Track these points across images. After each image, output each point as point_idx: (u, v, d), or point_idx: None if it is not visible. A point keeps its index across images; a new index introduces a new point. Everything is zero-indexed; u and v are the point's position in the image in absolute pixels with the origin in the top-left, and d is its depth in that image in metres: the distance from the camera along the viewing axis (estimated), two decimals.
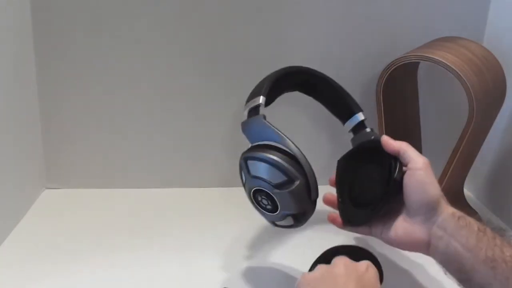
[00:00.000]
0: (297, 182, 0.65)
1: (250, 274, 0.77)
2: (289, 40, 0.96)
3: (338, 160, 0.72)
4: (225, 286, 0.74)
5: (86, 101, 0.96)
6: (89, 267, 0.77)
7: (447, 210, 0.62)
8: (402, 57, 0.84)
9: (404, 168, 0.65)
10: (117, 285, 0.75)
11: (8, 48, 0.84)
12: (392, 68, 0.84)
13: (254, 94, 0.72)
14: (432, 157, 1.01)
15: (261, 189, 0.66)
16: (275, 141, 0.67)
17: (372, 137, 0.74)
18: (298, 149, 0.66)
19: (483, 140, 0.88)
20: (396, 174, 0.64)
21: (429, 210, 0.62)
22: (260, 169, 0.66)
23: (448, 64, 0.78)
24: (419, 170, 0.63)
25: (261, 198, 0.67)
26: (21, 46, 0.90)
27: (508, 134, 0.94)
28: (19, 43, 0.89)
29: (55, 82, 0.95)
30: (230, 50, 0.96)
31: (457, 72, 0.77)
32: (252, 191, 0.68)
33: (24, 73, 0.91)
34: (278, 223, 0.69)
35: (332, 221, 0.71)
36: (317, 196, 0.67)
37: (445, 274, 0.62)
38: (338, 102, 0.80)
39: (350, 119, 0.79)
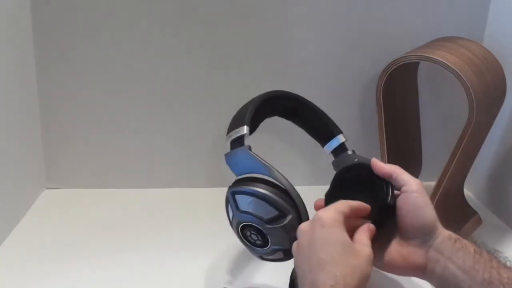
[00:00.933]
0: (289, 217, 0.63)
1: (250, 274, 0.77)
2: (289, 41, 0.96)
3: (326, 193, 0.70)
4: (225, 286, 0.74)
5: (86, 101, 0.97)
6: (89, 267, 0.77)
7: (443, 233, 0.61)
8: (402, 57, 0.83)
9: (396, 192, 0.64)
10: (117, 285, 0.75)
11: (8, 49, 0.84)
12: (392, 68, 0.84)
13: (236, 124, 0.70)
14: (432, 157, 1.02)
15: (251, 225, 0.64)
16: (263, 174, 0.65)
17: (356, 159, 0.72)
18: (288, 181, 0.64)
19: (483, 140, 0.88)
20: (389, 198, 0.63)
21: (425, 233, 0.61)
22: (250, 204, 0.64)
23: (448, 64, 0.78)
24: (415, 192, 0.62)
25: (250, 233, 0.65)
26: (21, 46, 0.90)
27: (508, 134, 0.94)
28: (19, 43, 0.89)
29: (55, 82, 0.95)
30: (230, 50, 0.96)
31: (457, 72, 0.77)
32: (240, 226, 0.65)
33: (24, 73, 0.91)
34: (267, 257, 0.67)
35: None
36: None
37: None
38: (317, 124, 0.79)
39: (330, 142, 0.77)
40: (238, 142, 0.68)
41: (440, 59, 0.79)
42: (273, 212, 0.63)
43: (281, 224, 0.63)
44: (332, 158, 0.77)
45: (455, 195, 0.91)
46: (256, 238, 0.65)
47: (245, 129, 0.68)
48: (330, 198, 0.68)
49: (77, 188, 1.00)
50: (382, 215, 0.63)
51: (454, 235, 0.61)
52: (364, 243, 0.58)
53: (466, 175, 0.92)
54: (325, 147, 0.78)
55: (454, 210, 0.90)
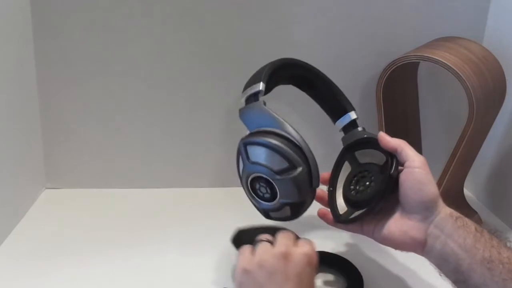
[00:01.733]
0: (299, 169, 0.63)
1: None
2: (289, 40, 0.96)
3: (333, 169, 0.71)
4: (225, 287, 0.74)
5: (86, 101, 0.96)
6: (89, 267, 0.77)
7: (445, 210, 0.62)
8: (402, 57, 0.84)
9: (400, 167, 0.64)
10: (117, 285, 0.75)
11: (8, 48, 0.84)
12: (392, 68, 0.84)
13: (253, 81, 0.70)
14: (432, 157, 1.01)
15: (261, 176, 0.64)
16: (276, 128, 0.65)
17: (365, 135, 0.73)
18: (300, 135, 0.64)
19: (483, 140, 0.88)
20: (392, 170, 0.63)
21: (426, 209, 0.61)
22: (261, 155, 0.64)
23: (448, 64, 0.78)
24: (417, 168, 0.63)
25: (259, 186, 0.65)
26: (21, 46, 0.90)
27: (508, 134, 0.94)
28: (19, 43, 0.89)
29: (55, 82, 0.95)
30: (230, 51, 0.96)
31: (457, 72, 0.77)
32: (250, 178, 0.65)
33: (24, 73, 0.91)
34: (273, 214, 0.66)
35: (323, 216, 0.70)
36: (318, 184, 0.65)
37: (440, 275, 0.62)
38: (331, 99, 0.78)
39: (342, 118, 0.77)
40: (253, 98, 0.68)
41: (440, 59, 0.79)
42: (284, 163, 0.63)
43: (291, 176, 0.63)
44: (342, 134, 0.76)
45: (455, 195, 0.91)
46: (265, 191, 0.65)
47: (260, 86, 0.68)
48: (336, 166, 0.70)
49: (77, 188, 1.00)
50: (385, 187, 0.63)
51: (455, 213, 0.62)
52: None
53: (466, 175, 0.92)
54: (336, 123, 0.78)
55: (454, 210, 0.90)
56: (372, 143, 0.67)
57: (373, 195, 0.64)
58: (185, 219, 0.91)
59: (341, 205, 0.68)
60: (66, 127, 0.98)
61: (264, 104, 0.67)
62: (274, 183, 0.63)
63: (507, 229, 0.92)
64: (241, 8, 0.93)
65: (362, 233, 0.67)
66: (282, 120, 0.65)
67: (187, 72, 0.96)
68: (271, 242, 0.61)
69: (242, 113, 0.68)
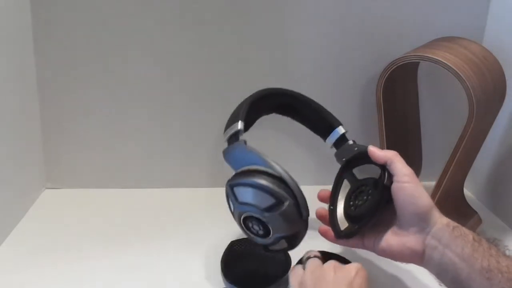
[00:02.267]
0: (286, 203, 0.64)
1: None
2: (289, 41, 0.96)
3: (332, 188, 0.72)
4: (225, 287, 0.74)
5: (86, 102, 0.97)
6: (89, 267, 0.77)
7: (441, 220, 0.62)
8: (402, 57, 0.83)
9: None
10: (117, 285, 0.75)
11: (8, 48, 0.84)
12: (392, 68, 0.84)
13: (231, 121, 0.72)
14: (432, 157, 1.02)
15: (251, 215, 0.65)
16: (259, 165, 0.66)
17: (355, 148, 0.74)
18: (284, 169, 0.65)
19: (483, 140, 0.88)
20: (385, 181, 0.64)
21: (422, 221, 0.62)
22: (248, 195, 0.65)
23: (448, 64, 0.78)
24: (407, 183, 0.63)
25: (252, 224, 0.66)
26: (21, 46, 0.90)
27: (508, 134, 0.94)
28: (19, 43, 0.89)
29: (55, 82, 0.95)
30: (230, 51, 0.96)
31: (457, 72, 0.77)
32: (242, 217, 0.66)
33: (24, 73, 0.91)
34: (272, 247, 0.68)
35: (324, 234, 0.71)
36: (308, 214, 0.66)
37: (440, 285, 0.62)
38: (316, 119, 0.81)
39: (331, 134, 0.79)
40: (234, 138, 0.69)
41: (440, 59, 0.79)
42: (270, 200, 0.64)
43: (280, 211, 0.64)
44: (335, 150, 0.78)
45: (455, 195, 0.91)
46: (258, 228, 0.66)
47: (239, 125, 0.69)
48: (335, 183, 0.71)
49: (77, 188, 1.00)
50: (379, 198, 0.64)
51: (452, 223, 0.62)
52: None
53: (466, 175, 0.92)
54: (326, 140, 0.79)
55: (454, 210, 0.90)
56: (367, 157, 0.68)
57: (369, 207, 0.65)
58: (185, 219, 0.91)
59: (342, 222, 0.69)
60: (66, 127, 0.98)
61: (245, 143, 0.68)
62: (264, 220, 0.65)
63: (507, 229, 0.92)
64: (241, 8, 0.93)
65: (364, 247, 0.68)
66: (264, 156, 0.66)
67: (187, 72, 0.96)
68: (320, 258, 0.62)
69: (225, 154, 0.70)
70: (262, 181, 0.64)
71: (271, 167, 0.65)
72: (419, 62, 0.95)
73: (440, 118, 1.03)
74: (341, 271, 0.59)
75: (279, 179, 0.65)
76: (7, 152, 0.85)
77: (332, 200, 0.71)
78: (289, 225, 0.64)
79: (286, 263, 0.74)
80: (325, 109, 0.81)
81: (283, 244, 0.67)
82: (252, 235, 0.67)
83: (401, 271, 0.78)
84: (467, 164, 0.89)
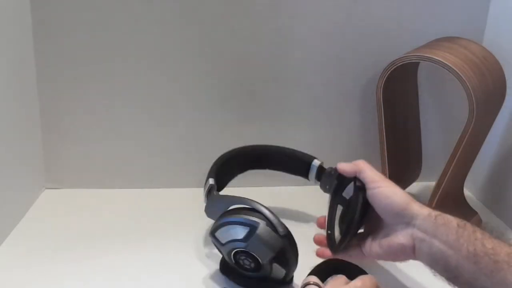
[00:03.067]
0: (259, 226, 0.67)
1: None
2: (289, 41, 0.96)
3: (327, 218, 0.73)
4: (225, 287, 0.74)
5: (86, 102, 0.96)
6: (89, 267, 0.77)
7: (422, 211, 0.63)
8: (402, 57, 0.83)
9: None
10: (117, 285, 0.75)
11: (8, 48, 0.84)
12: (392, 68, 0.84)
13: (205, 182, 0.79)
14: (432, 157, 1.02)
15: (236, 250, 0.69)
16: (228, 206, 0.71)
17: (332, 173, 0.75)
18: (248, 198, 0.70)
19: (483, 140, 0.88)
20: (352, 194, 0.68)
21: (403, 217, 0.64)
22: (226, 234, 0.69)
23: (448, 64, 0.78)
24: (377, 188, 0.66)
25: (242, 260, 0.69)
26: (21, 46, 0.90)
27: (508, 134, 0.94)
28: (19, 43, 0.89)
29: (55, 82, 0.95)
30: (230, 51, 0.96)
31: (457, 72, 0.77)
32: (231, 255, 0.70)
33: (24, 73, 0.91)
34: (271, 276, 0.70)
35: (322, 255, 0.72)
36: (286, 230, 0.68)
37: (434, 275, 0.62)
38: (290, 162, 0.87)
39: (310, 171, 0.85)
40: (209, 194, 0.76)
41: (440, 59, 0.79)
42: (245, 229, 0.68)
43: (255, 235, 0.67)
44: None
45: (455, 195, 0.91)
46: (248, 262, 0.69)
47: (210, 181, 0.77)
48: (330, 208, 0.73)
49: (77, 188, 1.00)
50: (355, 210, 0.67)
51: (434, 212, 0.63)
52: None
53: (466, 175, 0.92)
54: (309, 178, 0.85)
55: (454, 210, 0.89)
56: (347, 178, 0.71)
57: (351, 218, 0.68)
58: (185, 219, 0.91)
59: (335, 238, 0.71)
60: (66, 127, 0.98)
61: (216, 192, 0.76)
62: (247, 250, 0.68)
63: (507, 229, 0.92)
64: (241, 8, 0.93)
65: (364, 257, 0.69)
66: (230, 197, 0.73)
67: (187, 72, 0.96)
68: (319, 286, 0.62)
69: (205, 210, 0.75)
70: (231, 216, 0.70)
71: (237, 201, 0.71)
72: (419, 62, 0.95)
73: (440, 118, 1.03)
74: None
75: (248, 209, 0.69)
76: (7, 152, 0.85)
77: (328, 225, 0.72)
78: (269, 244, 0.67)
79: None
80: (296, 150, 0.87)
81: (277, 268, 0.69)
82: (250, 273, 0.70)
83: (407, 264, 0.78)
84: (467, 164, 0.89)
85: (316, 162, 0.84)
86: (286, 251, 0.68)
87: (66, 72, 0.94)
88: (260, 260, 0.68)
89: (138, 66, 0.95)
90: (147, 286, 0.75)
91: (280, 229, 0.67)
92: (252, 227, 0.67)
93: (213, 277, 0.76)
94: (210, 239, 0.74)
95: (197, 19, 0.93)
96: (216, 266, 0.78)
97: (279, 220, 0.68)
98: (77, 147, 0.99)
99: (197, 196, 0.99)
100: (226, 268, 0.75)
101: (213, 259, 0.80)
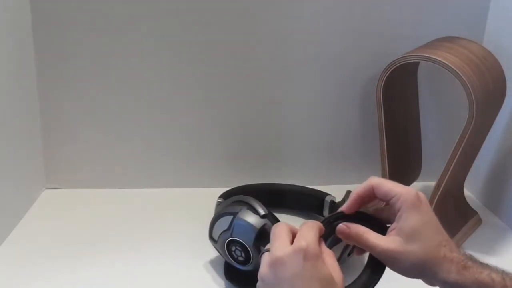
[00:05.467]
0: (240, 211, 0.70)
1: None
2: (289, 41, 0.96)
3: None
4: (225, 287, 0.74)
5: (86, 101, 0.96)
6: (88, 267, 0.77)
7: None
8: (402, 57, 0.83)
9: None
10: (117, 285, 0.75)
11: (8, 48, 0.84)
12: (392, 68, 0.84)
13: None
14: (432, 157, 1.02)
15: (228, 241, 0.70)
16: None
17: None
18: (226, 192, 0.81)
19: (483, 140, 0.88)
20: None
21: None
22: (217, 230, 0.72)
23: (448, 64, 0.78)
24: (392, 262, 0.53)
25: (234, 250, 0.71)
26: (21, 46, 0.90)
27: (508, 134, 0.94)
28: (19, 43, 0.89)
29: (55, 82, 0.95)
30: (230, 51, 0.96)
31: (457, 72, 0.77)
32: (225, 250, 0.71)
33: (24, 73, 0.91)
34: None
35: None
36: (266, 211, 0.70)
37: None
38: (304, 200, 0.90)
39: (324, 208, 0.87)
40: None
41: (440, 59, 0.79)
42: (229, 219, 0.71)
43: (237, 220, 0.70)
44: None
45: (455, 195, 0.91)
46: (239, 252, 0.70)
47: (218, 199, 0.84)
48: None
49: (77, 188, 1.00)
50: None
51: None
52: (336, 268, 0.50)
53: (466, 175, 0.92)
54: (323, 214, 0.87)
55: (454, 210, 0.90)
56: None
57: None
58: (185, 219, 0.91)
59: None
60: (66, 127, 0.98)
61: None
62: (234, 237, 0.70)
63: (507, 229, 0.92)
64: (241, 8, 0.93)
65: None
66: (218, 199, 0.80)
67: (187, 72, 0.96)
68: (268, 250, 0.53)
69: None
70: (217, 212, 0.74)
71: (221, 199, 0.79)
72: (419, 62, 0.95)
73: (440, 118, 1.03)
74: (281, 264, 0.48)
75: (232, 202, 0.73)
76: (7, 152, 0.85)
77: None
78: (250, 225, 0.69)
79: None
80: (305, 187, 0.90)
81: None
82: (244, 267, 0.71)
83: None
84: (467, 164, 0.89)
85: (328, 198, 0.87)
86: (269, 231, 0.67)
87: (66, 72, 0.94)
88: (246, 246, 0.69)
89: (138, 66, 0.95)
90: (148, 285, 0.75)
91: (260, 210, 0.69)
92: (234, 214, 0.70)
93: (214, 276, 0.76)
94: (210, 238, 0.74)
95: (198, 19, 0.93)
96: (216, 266, 0.78)
97: (260, 204, 0.70)
98: (77, 147, 0.99)
99: (197, 196, 1.00)
100: (230, 273, 0.75)
101: (213, 259, 0.80)
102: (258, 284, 0.51)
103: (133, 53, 0.94)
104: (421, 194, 0.54)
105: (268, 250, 0.50)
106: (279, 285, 0.48)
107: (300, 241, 0.49)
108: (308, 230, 0.50)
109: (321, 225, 0.52)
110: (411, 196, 0.53)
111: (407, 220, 0.52)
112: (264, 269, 0.50)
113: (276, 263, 0.49)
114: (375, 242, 0.53)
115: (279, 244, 0.50)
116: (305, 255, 0.48)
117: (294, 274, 0.48)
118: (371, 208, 0.58)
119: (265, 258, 0.50)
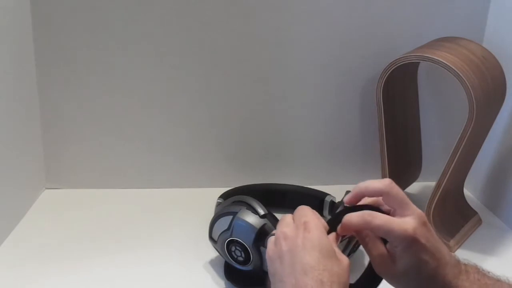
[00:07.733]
0: (239, 211, 0.70)
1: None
2: (289, 41, 0.96)
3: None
4: (225, 287, 0.74)
5: (86, 101, 0.96)
6: (88, 267, 0.77)
7: None
8: (402, 57, 0.83)
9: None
10: (117, 285, 0.75)
11: (8, 48, 0.84)
12: (392, 68, 0.84)
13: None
14: (432, 157, 1.02)
15: (227, 241, 0.70)
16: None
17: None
18: (226, 193, 0.81)
19: (483, 140, 0.88)
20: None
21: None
22: (217, 231, 0.73)
23: (448, 64, 0.78)
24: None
25: (234, 249, 0.71)
26: (21, 46, 0.90)
27: (508, 134, 0.94)
28: (19, 43, 0.89)
29: (55, 82, 0.95)
30: (230, 51, 0.96)
31: (457, 72, 0.77)
32: (225, 251, 0.71)
33: (24, 73, 0.91)
34: (264, 269, 0.70)
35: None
36: (265, 211, 0.70)
37: None
38: (305, 202, 0.86)
39: (324, 207, 0.87)
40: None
41: (440, 59, 0.79)
42: (228, 219, 0.71)
43: (237, 220, 0.70)
44: None
45: (455, 195, 0.91)
46: (239, 252, 0.70)
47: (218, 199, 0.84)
48: None
49: (77, 188, 1.00)
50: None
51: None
52: (341, 253, 0.51)
53: (466, 175, 0.92)
54: (323, 214, 0.87)
55: (454, 210, 0.90)
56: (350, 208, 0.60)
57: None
58: (185, 219, 0.91)
59: None
60: (66, 127, 0.98)
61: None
62: (234, 237, 0.70)
63: (507, 229, 0.92)
64: (241, 8, 0.93)
65: None
66: (218, 200, 0.81)
67: (187, 72, 0.96)
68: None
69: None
70: (217, 211, 0.74)
71: (220, 199, 0.80)
72: (419, 62, 0.95)
73: (440, 118, 1.03)
74: (287, 256, 0.50)
75: (231, 202, 0.73)
76: (7, 152, 0.85)
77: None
78: (250, 225, 0.69)
79: None
80: (304, 187, 0.90)
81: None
82: (244, 267, 0.71)
83: None
84: (467, 164, 0.89)
85: (328, 198, 0.87)
86: (268, 231, 0.68)
87: (66, 72, 0.94)
88: (246, 246, 0.69)
89: (138, 66, 0.95)
90: (148, 285, 0.75)
91: (259, 210, 0.70)
92: (234, 214, 0.70)
93: (214, 276, 0.76)
94: (209, 238, 0.74)
95: (198, 19, 0.93)
96: (216, 266, 0.78)
97: (259, 204, 0.70)
98: (77, 147, 0.99)
99: (197, 196, 1.00)
100: (230, 273, 0.75)
101: (213, 259, 0.80)
102: (267, 265, 0.52)
103: (133, 53, 0.94)
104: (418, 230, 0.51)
105: (273, 234, 0.54)
106: (282, 257, 0.50)
107: (301, 217, 0.52)
108: (307, 209, 0.54)
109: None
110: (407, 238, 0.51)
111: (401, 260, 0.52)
112: (270, 247, 0.53)
113: (279, 238, 0.52)
114: (389, 220, 0.51)
115: (283, 222, 0.54)
116: (306, 227, 0.51)
117: (295, 245, 0.50)
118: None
119: (271, 239, 0.53)
